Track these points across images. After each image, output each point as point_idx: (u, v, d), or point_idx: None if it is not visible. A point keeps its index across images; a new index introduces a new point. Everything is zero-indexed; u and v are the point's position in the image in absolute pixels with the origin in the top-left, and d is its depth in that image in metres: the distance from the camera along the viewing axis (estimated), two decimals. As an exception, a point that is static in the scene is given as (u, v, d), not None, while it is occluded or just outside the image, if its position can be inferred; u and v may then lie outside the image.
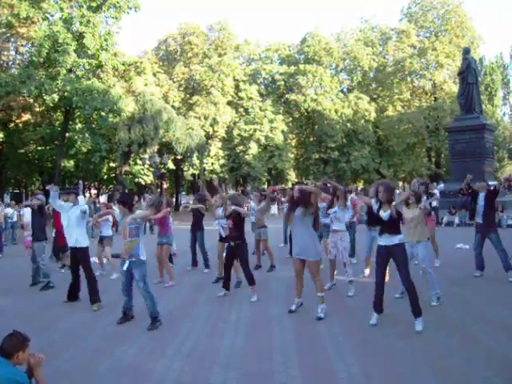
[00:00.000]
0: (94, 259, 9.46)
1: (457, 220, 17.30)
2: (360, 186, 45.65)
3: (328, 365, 4.29)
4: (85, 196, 38.71)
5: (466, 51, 22.52)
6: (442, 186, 22.50)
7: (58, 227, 10.01)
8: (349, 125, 39.38)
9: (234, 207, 6.91)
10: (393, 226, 5.18)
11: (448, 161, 26.95)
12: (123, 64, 29.42)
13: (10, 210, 17.50)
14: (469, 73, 21.31)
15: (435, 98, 40.22)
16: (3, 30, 28.09)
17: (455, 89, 33.03)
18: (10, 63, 32.28)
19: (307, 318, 5.80)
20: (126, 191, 40.97)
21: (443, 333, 5.02)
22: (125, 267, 5.75)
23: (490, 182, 19.06)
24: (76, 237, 6.95)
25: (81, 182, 9.42)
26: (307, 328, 5.43)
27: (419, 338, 4.88)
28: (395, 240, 5.17)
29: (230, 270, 7.16)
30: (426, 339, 4.84)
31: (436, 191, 18.20)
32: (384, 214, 5.18)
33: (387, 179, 10.73)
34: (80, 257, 6.96)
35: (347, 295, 6.86)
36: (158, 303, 5.80)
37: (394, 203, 5.20)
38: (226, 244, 7.60)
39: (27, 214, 14.17)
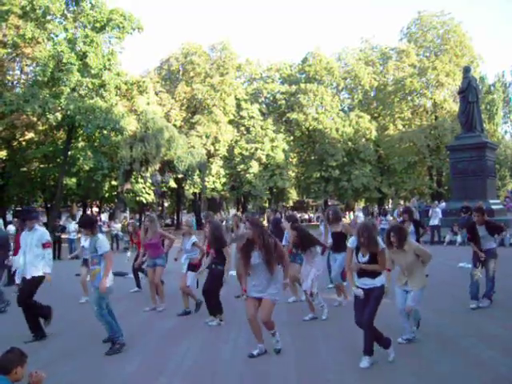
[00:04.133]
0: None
1: (459, 239, 17.19)
2: (361, 204, 45.67)
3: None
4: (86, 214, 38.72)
5: (467, 70, 22.68)
6: (443, 204, 22.48)
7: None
8: (350, 143, 39.54)
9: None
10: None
11: (449, 179, 26.92)
12: (126, 83, 29.77)
13: (11, 228, 17.46)
14: (469, 92, 21.41)
15: (436, 116, 40.43)
16: (9, 50, 28.57)
17: (456, 107, 33.19)
18: (15, 82, 32.73)
19: (309, 340, 5.72)
20: (126, 208, 40.95)
21: (447, 355, 4.94)
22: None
23: (491, 201, 19.16)
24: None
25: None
26: (308, 351, 5.35)
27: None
28: (376, 283, 4.72)
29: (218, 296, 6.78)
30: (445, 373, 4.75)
31: (438, 210, 18.20)
32: (363, 260, 4.75)
33: (334, 207, 9.81)
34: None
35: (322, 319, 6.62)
36: (117, 328, 5.54)
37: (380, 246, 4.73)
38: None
39: (11, 230, 14.07)
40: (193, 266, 7.46)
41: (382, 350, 4.72)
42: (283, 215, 21.85)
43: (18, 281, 6.32)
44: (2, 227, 13.91)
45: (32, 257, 6.18)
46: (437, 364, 4.64)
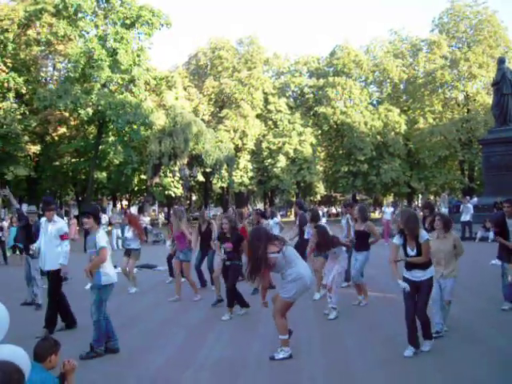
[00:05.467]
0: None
1: (491, 235, 16.74)
2: (390, 199, 44.97)
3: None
4: (115, 207, 39.56)
5: (501, 61, 21.94)
6: (475, 200, 21.87)
7: None
8: (379, 137, 38.94)
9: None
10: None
11: (481, 174, 26.22)
12: (155, 79, 30.17)
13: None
14: (504, 83, 20.76)
15: (468, 109, 39.36)
16: (42, 47, 29.40)
17: (489, 100, 32.25)
18: (48, 79, 33.66)
19: (333, 337, 5.72)
20: (155, 201, 41.56)
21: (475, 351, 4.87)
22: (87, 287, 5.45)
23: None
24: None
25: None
26: (333, 347, 5.36)
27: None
28: (427, 274, 4.80)
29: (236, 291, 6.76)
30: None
31: (469, 205, 17.75)
32: (412, 253, 4.79)
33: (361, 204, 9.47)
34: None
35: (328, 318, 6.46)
36: (103, 337, 5.24)
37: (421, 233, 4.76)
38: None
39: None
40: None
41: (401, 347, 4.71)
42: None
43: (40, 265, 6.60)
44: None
45: (50, 248, 6.31)
46: (463, 363, 4.58)
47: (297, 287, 4.75)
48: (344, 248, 6.85)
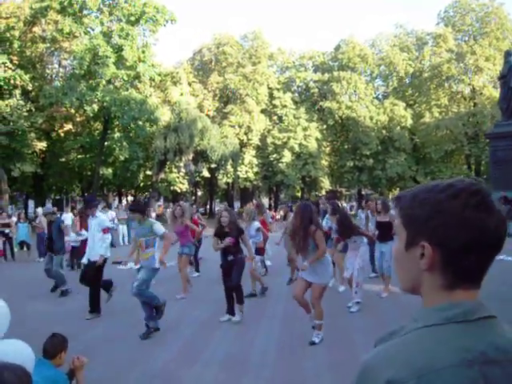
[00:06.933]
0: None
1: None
2: (395, 194, 44.75)
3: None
4: (120, 203, 39.70)
5: (509, 54, 21.69)
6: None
7: None
8: (384, 132, 38.78)
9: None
10: None
11: (488, 168, 26.06)
12: (159, 75, 30.17)
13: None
14: (511, 76, 20.59)
15: (474, 103, 39.06)
16: (48, 44, 29.46)
17: (496, 93, 31.98)
18: (54, 76, 33.75)
19: (344, 332, 5.75)
20: (160, 197, 41.72)
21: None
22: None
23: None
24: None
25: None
26: (342, 343, 5.38)
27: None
28: None
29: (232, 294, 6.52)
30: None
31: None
32: None
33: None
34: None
35: (350, 310, 6.66)
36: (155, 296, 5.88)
37: None
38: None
39: (67, 219, 14.64)
40: (259, 250, 8.04)
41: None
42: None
43: (85, 261, 7.11)
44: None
45: (94, 241, 6.94)
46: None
47: (330, 271, 5.42)
48: (365, 240, 7.03)
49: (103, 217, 7.46)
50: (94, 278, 6.84)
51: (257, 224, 8.15)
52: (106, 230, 7.01)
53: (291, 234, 5.54)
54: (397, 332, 0.89)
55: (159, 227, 6.05)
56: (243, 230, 6.76)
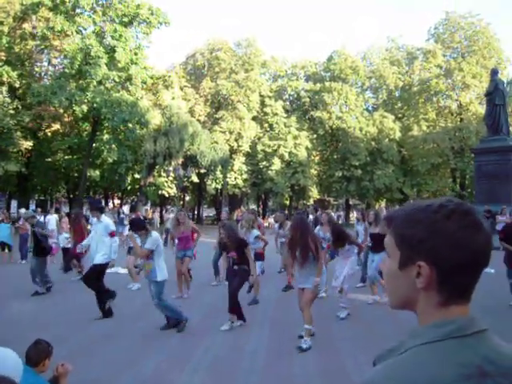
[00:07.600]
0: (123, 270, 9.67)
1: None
2: (382, 204, 45.11)
3: None
4: (107, 205, 39.39)
5: (494, 72, 22.20)
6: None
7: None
8: (373, 143, 39.15)
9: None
10: None
11: (473, 182, 26.44)
12: (152, 77, 30.05)
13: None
14: (496, 94, 20.98)
15: (461, 118, 39.70)
16: (38, 42, 29.12)
17: (481, 110, 32.54)
18: (43, 74, 33.36)
19: (331, 341, 5.73)
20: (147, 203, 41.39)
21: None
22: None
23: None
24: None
25: None
26: (332, 350, 5.37)
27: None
28: None
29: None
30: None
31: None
32: None
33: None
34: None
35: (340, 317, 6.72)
36: (178, 311, 6.14)
37: None
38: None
39: (52, 221, 14.42)
40: (258, 255, 8.15)
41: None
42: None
43: (90, 264, 7.17)
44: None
45: (99, 244, 6.96)
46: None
47: (324, 279, 5.61)
48: (356, 250, 7.09)
49: (108, 220, 7.49)
50: (96, 281, 6.82)
51: (256, 232, 8.26)
52: (112, 234, 7.10)
53: (290, 246, 5.63)
54: (395, 349, 0.89)
55: (154, 239, 6.11)
56: (246, 242, 6.69)
